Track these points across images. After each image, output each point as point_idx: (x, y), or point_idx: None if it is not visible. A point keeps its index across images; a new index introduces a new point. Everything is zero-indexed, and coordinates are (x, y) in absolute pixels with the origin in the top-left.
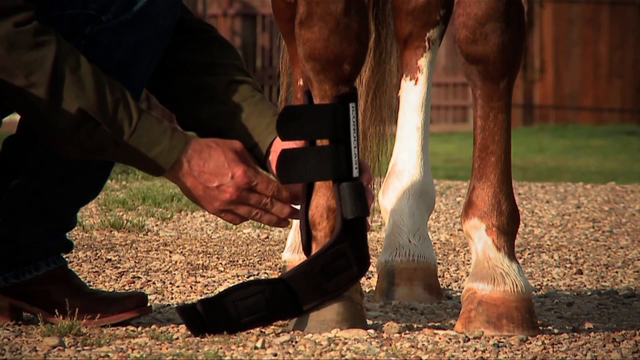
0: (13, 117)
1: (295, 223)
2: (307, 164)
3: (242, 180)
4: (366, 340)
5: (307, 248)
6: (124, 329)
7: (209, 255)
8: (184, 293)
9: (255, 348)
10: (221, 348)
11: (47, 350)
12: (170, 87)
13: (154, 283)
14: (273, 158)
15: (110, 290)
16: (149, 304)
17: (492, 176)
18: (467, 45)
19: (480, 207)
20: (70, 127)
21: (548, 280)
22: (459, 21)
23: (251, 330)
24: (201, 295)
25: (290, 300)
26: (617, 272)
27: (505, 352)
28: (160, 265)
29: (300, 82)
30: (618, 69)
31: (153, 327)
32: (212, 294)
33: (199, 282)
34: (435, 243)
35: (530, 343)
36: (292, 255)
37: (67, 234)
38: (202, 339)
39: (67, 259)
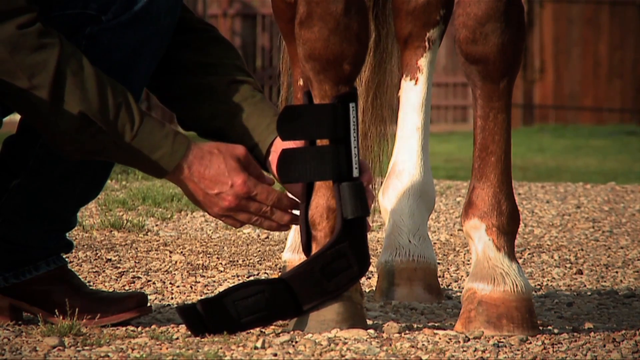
0: (13, 117)
1: None
2: (307, 163)
3: (241, 189)
4: (366, 340)
5: (307, 248)
6: (124, 329)
7: (209, 255)
8: (184, 293)
9: (255, 348)
10: (221, 348)
11: (47, 350)
12: (171, 87)
13: (154, 283)
14: (273, 158)
15: (110, 290)
16: (149, 304)
17: (492, 176)
18: (467, 45)
19: (480, 207)
20: (72, 129)
21: (548, 280)
22: (459, 21)
23: (251, 330)
24: (201, 295)
25: (290, 300)
26: (617, 272)
27: (505, 352)
28: (160, 265)
29: (300, 82)
30: (618, 69)
31: (153, 327)
32: (212, 294)
33: (199, 282)
34: (435, 243)
35: (530, 343)
36: (292, 255)
37: (67, 234)
38: (202, 339)
39: (67, 259)
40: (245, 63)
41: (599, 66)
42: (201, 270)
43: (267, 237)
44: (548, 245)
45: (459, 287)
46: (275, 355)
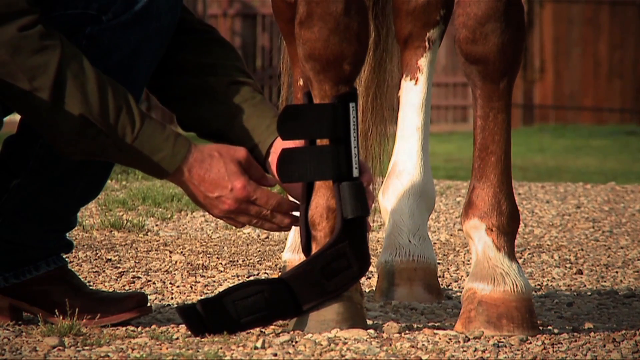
0: (13, 117)
1: None
2: (308, 163)
3: (241, 193)
4: (366, 340)
5: (306, 248)
6: (124, 329)
7: (209, 255)
8: (184, 293)
9: (255, 348)
10: (221, 348)
11: (47, 350)
12: (171, 88)
13: (154, 283)
14: (273, 159)
15: (110, 290)
16: (149, 304)
17: (492, 176)
18: (467, 45)
19: (480, 207)
20: (73, 131)
21: (548, 280)
22: (458, 21)
23: (251, 330)
24: (201, 295)
25: (290, 300)
26: (617, 272)
27: (505, 352)
28: (160, 265)
29: (301, 82)
30: (618, 69)
31: (153, 327)
32: (212, 294)
33: (199, 282)
34: (435, 243)
35: (530, 343)
36: (292, 255)
37: (67, 234)
38: (202, 339)
39: (67, 259)
40: (245, 64)
41: (599, 66)
42: (201, 270)
43: (267, 237)
44: (548, 245)
45: (459, 287)
46: (275, 355)
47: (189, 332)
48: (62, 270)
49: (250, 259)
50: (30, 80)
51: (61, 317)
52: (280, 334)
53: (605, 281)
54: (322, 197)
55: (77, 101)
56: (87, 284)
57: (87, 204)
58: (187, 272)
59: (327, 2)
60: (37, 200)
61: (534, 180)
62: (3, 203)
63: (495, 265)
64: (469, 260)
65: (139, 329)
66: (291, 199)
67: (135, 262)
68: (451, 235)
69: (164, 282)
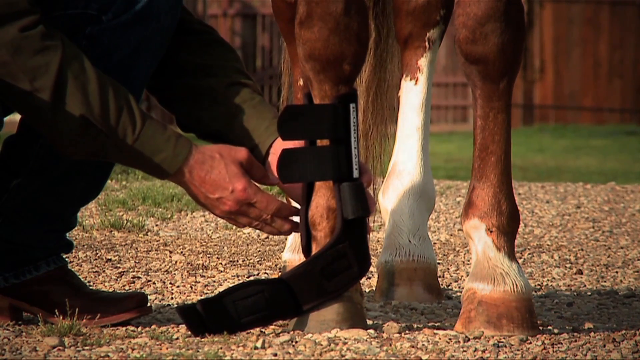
0: (13, 117)
1: None
2: (308, 164)
3: (241, 195)
4: (366, 340)
5: (306, 249)
6: (124, 329)
7: (209, 255)
8: (184, 293)
9: (255, 348)
10: (221, 348)
11: (47, 350)
12: (170, 88)
13: (154, 283)
14: (272, 160)
15: (110, 290)
16: (149, 304)
17: (492, 176)
18: (467, 45)
19: (480, 207)
20: (73, 132)
21: (548, 280)
22: (458, 21)
23: (251, 330)
24: (201, 295)
25: (290, 301)
26: (617, 272)
27: (505, 352)
28: (160, 265)
29: (301, 82)
30: (618, 69)
31: (153, 327)
32: (212, 294)
33: (199, 282)
34: (435, 243)
35: (530, 343)
36: (292, 255)
37: (67, 234)
38: (202, 339)
39: (67, 259)
40: (244, 65)
41: (599, 66)
42: (201, 270)
43: (267, 237)
44: (548, 245)
45: (459, 287)
46: (275, 355)
47: (189, 332)
48: (62, 270)
49: (250, 259)
50: (32, 81)
51: (61, 317)
52: (280, 334)
53: (605, 281)
54: (322, 197)
55: (78, 102)
56: (87, 284)
57: (87, 204)
58: (187, 272)
59: (327, 2)
60: (37, 200)
61: (534, 180)
62: (3, 203)
63: (495, 265)
64: (469, 260)
65: (139, 329)
66: (293, 203)
67: (135, 262)
68: (451, 235)
69: (164, 282)
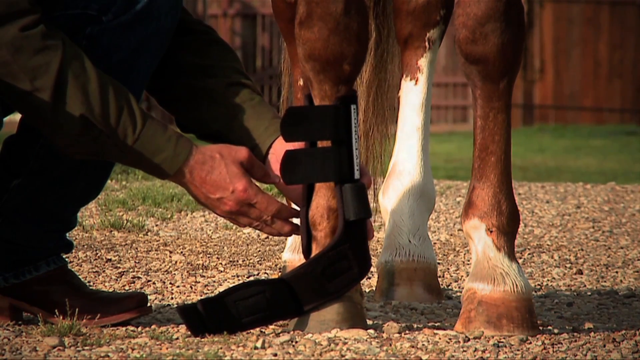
0: (13, 117)
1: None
2: (310, 165)
3: (242, 196)
4: (366, 340)
5: (307, 250)
6: (124, 329)
7: (209, 255)
8: (184, 293)
9: (255, 348)
10: (221, 348)
11: (47, 350)
12: (170, 89)
13: (154, 283)
14: (272, 160)
15: (110, 290)
16: (149, 304)
17: (492, 176)
18: (467, 45)
19: (480, 207)
20: (74, 132)
21: (548, 280)
22: (458, 21)
23: (251, 330)
24: (201, 295)
25: (291, 301)
26: (617, 272)
27: (505, 352)
28: (160, 265)
29: (301, 82)
30: (618, 69)
31: (153, 327)
32: (212, 294)
33: (199, 282)
34: (435, 243)
35: (530, 343)
36: (292, 255)
37: (67, 234)
38: (202, 339)
39: (67, 259)
40: (243, 66)
41: (599, 66)
42: (201, 270)
43: (267, 237)
44: (548, 245)
45: (459, 287)
46: (275, 355)
47: (189, 332)
48: (62, 270)
49: (250, 259)
50: (32, 81)
51: (61, 317)
52: (280, 334)
53: (605, 281)
54: (322, 198)
55: (78, 102)
56: (87, 284)
57: (87, 204)
58: (187, 272)
59: (327, 2)
60: (37, 200)
61: (534, 180)
62: (3, 203)
63: (495, 265)
64: (469, 260)
65: (139, 329)
66: (293, 205)
67: (135, 262)
68: (451, 235)
69: (164, 282)
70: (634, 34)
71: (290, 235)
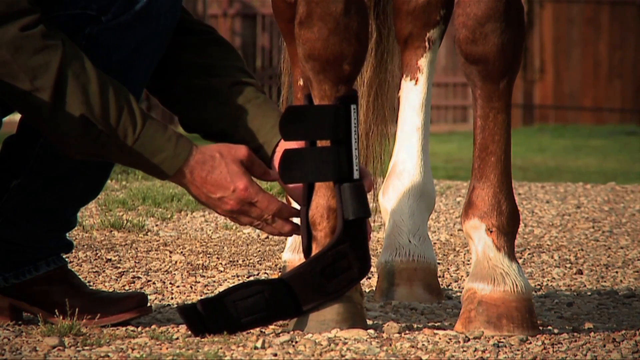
0: (13, 117)
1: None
2: (309, 164)
3: (243, 195)
4: (366, 340)
5: (307, 250)
6: (124, 329)
7: (209, 255)
8: (184, 293)
9: (255, 348)
10: (221, 348)
11: (47, 350)
12: (172, 89)
13: (154, 283)
14: (278, 158)
15: (110, 290)
16: (149, 304)
17: (492, 176)
18: (467, 45)
19: (480, 207)
20: (74, 132)
21: (548, 280)
22: (458, 21)
23: (251, 330)
24: (201, 295)
25: (290, 301)
26: (617, 272)
27: (505, 352)
28: (160, 265)
29: (301, 82)
30: (618, 69)
31: (153, 327)
32: (212, 294)
33: (199, 282)
34: (435, 243)
35: (530, 343)
36: (292, 255)
37: (67, 234)
38: (202, 339)
39: (67, 259)
40: (246, 64)
41: (599, 66)
42: (201, 270)
43: (267, 237)
44: (548, 245)
45: (459, 287)
46: (275, 355)
47: (189, 332)
48: (62, 270)
49: (250, 259)
50: (32, 80)
51: (61, 317)
52: (280, 334)
53: (605, 281)
54: (322, 197)
55: (78, 102)
56: (87, 284)
57: (87, 204)
58: (187, 272)
59: (327, 2)
60: (37, 200)
61: (534, 180)
62: (3, 203)
63: (495, 265)
64: (469, 260)
65: (139, 329)
66: (294, 204)
67: (135, 262)
68: (451, 235)
69: (164, 282)
70: (634, 34)
71: (290, 235)
